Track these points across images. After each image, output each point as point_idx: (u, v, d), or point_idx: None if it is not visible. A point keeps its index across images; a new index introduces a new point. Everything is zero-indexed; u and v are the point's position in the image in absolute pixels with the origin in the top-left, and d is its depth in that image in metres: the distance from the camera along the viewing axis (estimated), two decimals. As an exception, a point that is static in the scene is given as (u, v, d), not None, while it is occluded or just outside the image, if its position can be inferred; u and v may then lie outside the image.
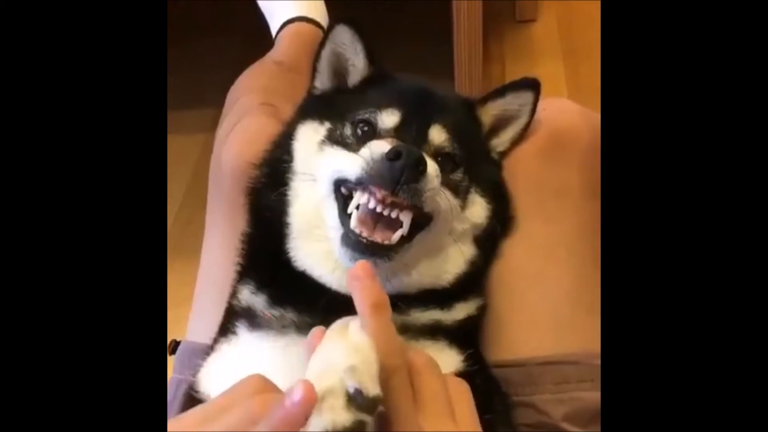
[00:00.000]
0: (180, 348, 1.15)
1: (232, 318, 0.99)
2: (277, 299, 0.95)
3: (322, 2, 1.92)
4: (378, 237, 0.88)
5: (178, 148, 2.09)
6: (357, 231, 0.88)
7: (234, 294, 1.01)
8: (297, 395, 0.61)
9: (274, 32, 1.91)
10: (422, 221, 0.92)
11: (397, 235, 0.89)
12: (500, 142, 1.10)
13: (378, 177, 0.87)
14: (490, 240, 1.04)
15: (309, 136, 1.02)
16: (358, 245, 0.88)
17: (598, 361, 0.99)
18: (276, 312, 0.94)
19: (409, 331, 0.93)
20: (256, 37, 1.93)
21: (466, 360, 0.93)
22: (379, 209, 0.88)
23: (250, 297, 0.98)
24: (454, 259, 0.99)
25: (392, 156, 0.86)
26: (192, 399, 0.96)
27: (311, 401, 0.61)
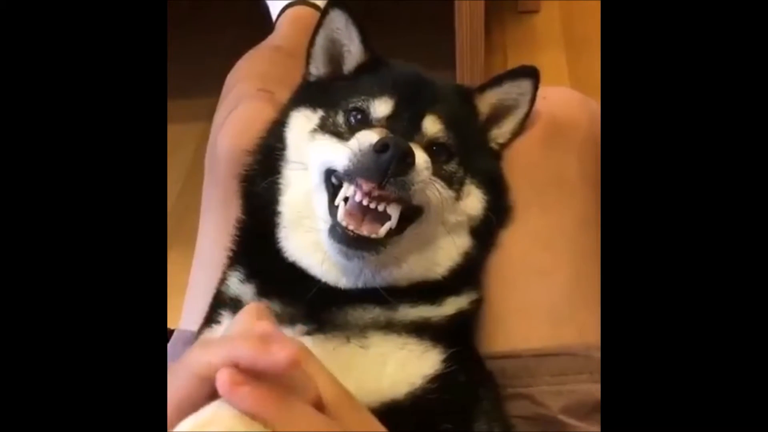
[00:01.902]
0: (173, 337, 1.14)
1: (218, 307, 0.98)
2: (264, 290, 0.94)
3: (323, -15, 1.92)
4: (365, 230, 0.87)
5: (175, 137, 2.07)
6: (344, 224, 0.87)
7: (223, 280, 1.00)
8: (282, 356, 0.60)
9: (274, 16, 1.89)
10: (412, 213, 0.91)
11: (384, 229, 0.87)
12: (500, 133, 1.08)
13: (365, 169, 0.86)
14: (487, 231, 1.02)
15: (302, 123, 1.01)
16: (345, 238, 0.87)
17: (595, 354, 0.99)
18: (262, 304, 0.92)
19: (394, 327, 0.91)
20: (255, 25, 1.92)
21: (446, 361, 0.91)
22: (365, 202, 0.87)
23: (238, 286, 0.97)
24: (446, 252, 0.97)
25: (379, 148, 0.85)
26: None
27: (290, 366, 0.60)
